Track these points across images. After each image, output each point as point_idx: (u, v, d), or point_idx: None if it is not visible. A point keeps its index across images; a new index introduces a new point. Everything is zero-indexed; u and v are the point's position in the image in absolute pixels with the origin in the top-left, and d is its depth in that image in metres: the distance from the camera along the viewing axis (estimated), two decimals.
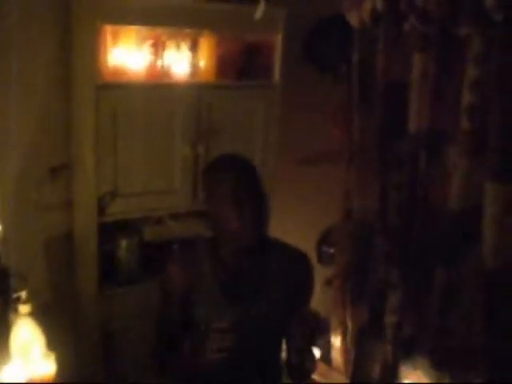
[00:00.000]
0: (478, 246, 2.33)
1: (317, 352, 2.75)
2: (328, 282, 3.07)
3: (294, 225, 2.92)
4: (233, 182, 1.91)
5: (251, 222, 1.90)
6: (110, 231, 2.57)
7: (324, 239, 3.31)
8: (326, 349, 2.97)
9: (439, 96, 2.42)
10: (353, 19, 2.63)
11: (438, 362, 2.51)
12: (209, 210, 1.99)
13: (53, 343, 2.18)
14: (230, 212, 1.89)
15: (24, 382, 2.06)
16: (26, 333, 2.12)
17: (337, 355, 2.94)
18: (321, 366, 2.85)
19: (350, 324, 2.86)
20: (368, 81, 2.65)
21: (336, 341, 2.94)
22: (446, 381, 2.48)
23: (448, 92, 2.41)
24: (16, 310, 2.16)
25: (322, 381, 2.85)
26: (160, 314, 2.12)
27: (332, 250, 3.27)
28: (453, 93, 2.38)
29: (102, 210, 2.46)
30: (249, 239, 1.92)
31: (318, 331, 2.47)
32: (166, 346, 2.10)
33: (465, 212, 2.35)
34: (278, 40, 2.76)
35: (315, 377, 2.77)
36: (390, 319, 2.67)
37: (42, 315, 2.17)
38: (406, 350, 2.62)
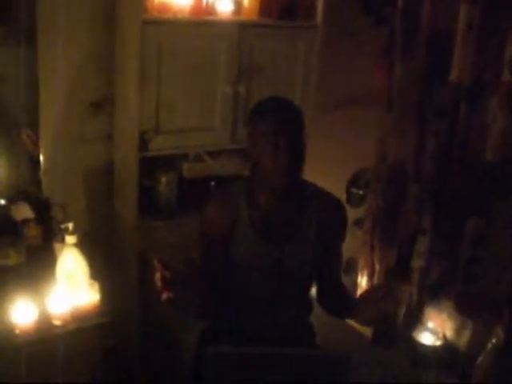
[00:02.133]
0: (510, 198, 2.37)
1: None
2: (357, 224, 3.13)
3: (327, 166, 2.94)
4: (277, 124, 1.91)
5: (289, 168, 1.92)
6: (149, 166, 2.61)
7: (354, 181, 3.35)
8: (353, 288, 3.04)
9: (483, 47, 2.41)
10: None
11: (463, 308, 2.58)
12: (250, 150, 2.00)
13: (92, 273, 2.28)
14: (270, 155, 1.90)
15: (70, 309, 2.17)
16: (72, 262, 2.22)
17: None
18: None
19: (377, 266, 2.93)
20: (412, 27, 2.63)
21: (362, 281, 3.01)
22: (469, 326, 2.57)
23: (492, 44, 2.40)
24: (62, 240, 2.26)
25: (347, 320, 2.93)
26: (202, 255, 2.14)
27: (361, 192, 3.32)
28: (497, 45, 2.37)
29: (143, 145, 2.50)
30: (284, 184, 1.95)
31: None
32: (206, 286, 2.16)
33: (501, 164, 2.38)
34: None
35: None
36: (417, 263, 2.74)
37: (82, 245, 2.26)
38: (432, 294, 2.70)
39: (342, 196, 3.23)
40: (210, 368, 1.82)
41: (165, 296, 1.76)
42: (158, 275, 1.77)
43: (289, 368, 1.86)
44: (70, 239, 2.19)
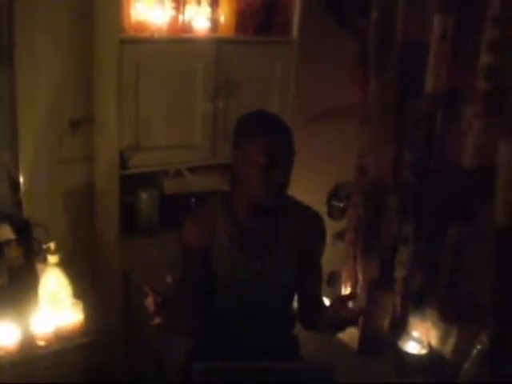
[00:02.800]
0: (490, 205, 2.40)
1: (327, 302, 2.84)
2: (339, 236, 3.15)
3: (307, 180, 2.96)
4: (274, 145, 1.89)
5: (280, 188, 1.93)
6: (130, 184, 2.61)
7: (335, 194, 3.37)
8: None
9: (457, 56, 2.45)
10: None
11: (447, 316, 2.59)
12: (236, 165, 1.98)
13: (75, 292, 2.27)
14: (263, 174, 1.89)
15: (53, 329, 2.16)
16: (55, 282, 2.21)
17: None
18: None
19: (360, 277, 2.94)
20: (385, 39, 2.67)
21: (346, 292, 3.02)
22: (454, 334, 2.58)
23: (466, 52, 2.44)
24: (45, 260, 2.25)
25: None
26: (182, 271, 2.12)
27: (342, 205, 3.34)
28: (470, 53, 2.40)
29: (123, 163, 2.50)
30: (272, 203, 1.95)
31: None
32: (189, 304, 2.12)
33: (478, 171, 2.41)
34: None
35: None
36: (400, 273, 2.76)
37: (64, 265, 2.25)
38: (416, 303, 2.71)
39: (323, 209, 3.25)
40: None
41: (157, 321, 1.80)
42: (149, 300, 1.80)
43: (274, 381, 1.86)
44: (52, 259, 2.19)
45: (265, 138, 1.90)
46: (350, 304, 2.04)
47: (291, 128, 1.97)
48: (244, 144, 1.95)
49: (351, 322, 1.91)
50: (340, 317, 1.88)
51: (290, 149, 1.94)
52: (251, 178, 1.93)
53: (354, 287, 2.98)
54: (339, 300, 1.96)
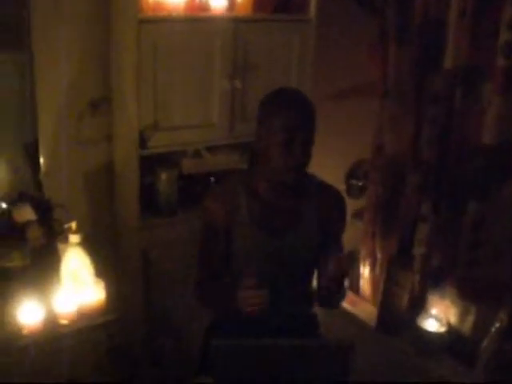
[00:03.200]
0: (509, 182, 2.39)
1: (346, 281, 2.85)
2: (357, 215, 3.14)
3: (325, 158, 2.95)
4: (296, 120, 1.92)
5: (300, 164, 1.95)
6: (148, 164, 2.63)
7: (353, 172, 3.36)
8: (355, 278, 3.06)
9: (476, 34, 2.42)
10: None
11: (465, 294, 2.60)
12: (258, 140, 2.01)
13: (97, 272, 2.29)
14: (283, 149, 1.91)
15: (76, 308, 2.19)
16: (76, 261, 2.23)
17: (365, 284, 3.03)
18: (349, 295, 2.94)
19: (379, 255, 2.95)
20: (405, 16, 2.64)
21: (365, 271, 3.02)
22: (472, 311, 2.58)
23: (485, 30, 2.41)
24: (66, 240, 2.27)
25: (351, 309, 2.95)
26: (201, 245, 2.18)
27: (361, 183, 3.33)
28: (490, 30, 2.38)
29: (143, 143, 2.52)
30: (292, 179, 1.97)
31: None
32: (207, 278, 2.18)
33: (498, 148, 2.39)
34: None
35: (344, 305, 2.87)
36: (419, 250, 2.75)
37: (85, 245, 2.28)
38: (435, 281, 2.71)
39: (342, 187, 3.24)
40: (215, 360, 1.84)
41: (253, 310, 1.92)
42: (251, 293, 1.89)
43: (292, 358, 1.88)
44: (74, 238, 2.21)
45: (285, 114, 1.92)
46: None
47: (314, 105, 1.99)
48: (266, 119, 1.98)
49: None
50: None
51: (310, 125, 1.95)
52: (271, 153, 1.95)
53: (372, 265, 2.98)
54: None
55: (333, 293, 2.00)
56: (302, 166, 1.98)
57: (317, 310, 2.33)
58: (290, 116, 1.92)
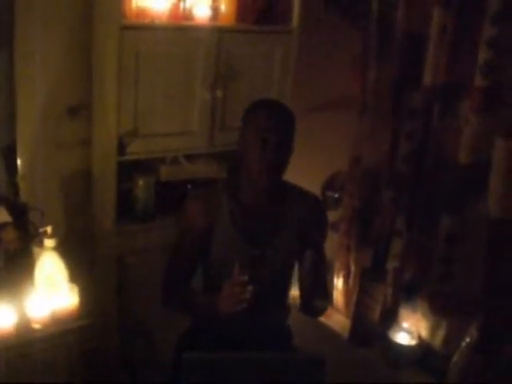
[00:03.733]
0: (483, 197, 2.42)
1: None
2: (333, 226, 3.17)
3: (302, 169, 2.97)
4: (269, 121, 1.99)
5: (274, 165, 2.00)
6: (126, 170, 2.63)
7: (329, 184, 3.38)
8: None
9: (456, 51, 2.46)
10: None
11: (437, 308, 2.62)
12: (238, 145, 2.08)
13: (71, 276, 2.28)
14: (258, 150, 1.97)
15: (49, 312, 2.17)
16: (51, 265, 2.22)
17: (339, 296, 3.04)
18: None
19: (353, 267, 2.97)
20: (386, 30, 2.68)
21: (338, 282, 3.04)
22: (443, 325, 2.61)
23: (465, 47, 2.45)
24: (41, 244, 2.26)
25: (324, 320, 2.96)
26: (176, 249, 2.20)
27: (337, 195, 3.35)
28: (469, 49, 2.41)
29: (121, 149, 2.51)
30: (267, 180, 2.01)
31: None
32: (177, 283, 2.20)
33: (473, 165, 2.43)
34: None
35: None
36: (392, 264, 2.78)
37: (60, 249, 2.26)
38: (407, 294, 2.74)
39: None
40: (187, 374, 1.84)
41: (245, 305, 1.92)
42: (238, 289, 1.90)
43: (265, 372, 1.89)
44: (49, 242, 2.19)
45: (260, 115, 2.02)
46: None
47: (292, 113, 2.08)
48: (243, 125, 2.07)
49: None
50: None
51: (284, 128, 2.02)
52: (248, 157, 2.01)
53: (346, 277, 3.00)
54: None
55: (312, 293, 2.02)
56: (277, 169, 2.02)
57: (290, 320, 2.35)
58: (264, 117, 2.00)
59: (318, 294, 2.06)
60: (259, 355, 1.92)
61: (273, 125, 1.98)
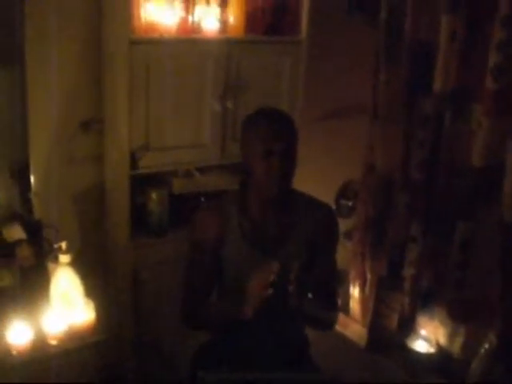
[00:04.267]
0: (497, 202, 2.41)
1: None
2: (347, 235, 3.16)
3: (315, 178, 2.97)
4: (272, 130, 1.98)
5: (281, 174, 1.97)
6: (139, 184, 2.64)
7: (343, 192, 3.38)
8: (345, 299, 3.06)
9: (466, 56, 2.46)
10: None
11: (454, 314, 2.61)
12: (243, 156, 2.06)
13: (86, 292, 2.28)
14: (264, 160, 1.96)
15: (65, 328, 2.17)
16: (66, 281, 2.22)
17: (355, 305, 3.03)
18: (339, 316, 2.94)
19: (368, 275, 2.96)
20: (396, 38, 2.68)
21: (354, 291, 3.03)
22: (462, 332, 2.59)
23: (475, 51, 2.45)
24: (56, 260, 2.26)
25: (341, 329, 2.95)
26: (189, 264, 2.18)
27: (350, 203, 3.34)
28: (479, 53, 2.41)
29: (134, 163, 2.52)
30: (275, 190, 1.99)
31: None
32: (194, 298, 2.17)
33: (487, 169, 2.42)
34: None
35: None
36: (408, 271, 2.77)
37: (75, 265, 2.27)
38: (424, 302, 2.73)
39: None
40: None
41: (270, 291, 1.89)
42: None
43: None
44: (64, 258, 2.19)
45: (262, 126, 2.00)
46: None
47: (293, 120, 2.06)
48: (246, 137, 2.05)
49: None
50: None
51: (288, 137, 2.00)
52: (255, 169, 2.00)
53: (362, 286, 2.99)
54: None
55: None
56: (284, 179, 2.00)
57: (307, 330, 2.33)
58: (266, 128, 1.99)
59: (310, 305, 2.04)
60: (275, 375, 1.91)
61: (276, 134, 1.97)
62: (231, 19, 2.67)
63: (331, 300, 2.21)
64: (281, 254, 2.07)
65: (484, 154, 2.40)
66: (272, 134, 1.97)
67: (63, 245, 2.23)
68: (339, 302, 2.73)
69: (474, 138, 2.44)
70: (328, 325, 2.24)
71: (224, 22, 2.66)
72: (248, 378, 1.87)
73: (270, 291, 1.88)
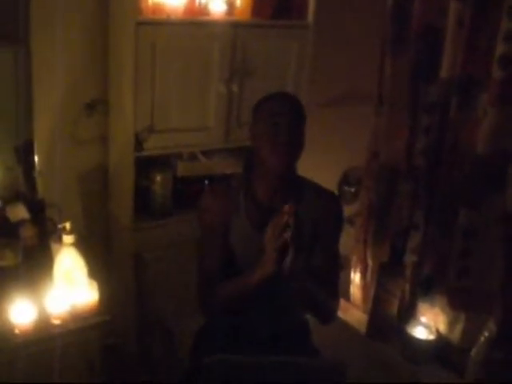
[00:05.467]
0: (501, 192, 2.41)
1: None
2: (349, 221, 3.16)
3: (318, 164, 2.97)
4: (278, 106, 2.00)
5: (286, 150, 1.97)
6: (143, 166, 2.64)
7: (346, 178, 3.39)
8: (346, 285, 3.07)
9: (473, 44, 2.44)
10: None
11: (455, 302, 2.62)
12: (251, 135, 2.06)
13: (90, 273, 2.29)
14: (270, 135, 1.97)
15: (68, 308, 2.18)
16: (70, 261, 2.23)
17: (356, 291, 3.05)
18: (340, 302, 2.96)
19: (370, 261, 2.96)
20: (402, 24, 2.67)
21: (355, 277, 3.04)
22: (462, 320, 2.60)
23: (482, 40, 2.43)
24: (60, 240, 2.27)
25: (341, 315, 2.96)
26: (202, 249, 2.15)
27: (353, 190, 3.35)
28: (487, 41, 2.40)
29: (139, 145, 2.52)
30: (281, 167, 1.98)
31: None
32: (211, 282, 2.12)
33: (491, 156, 2.42)
34: None
35: None
36: (410, 258, 2.77)
37: (78, 246, 2.27)
38: (425, 289, 2.73)
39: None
40: (207, 377, 1.85)
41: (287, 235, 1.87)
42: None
43: (285, 376, 1.89)
44: (68, 239, 2.20)
45: (269, 104, 2.03)
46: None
47: (301, 102, 2.06)
48: (254, 118, 2.07)
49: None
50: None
51: (293, 112, 2.01)
52: (261, 147, 2.00)
53: (363, 272, 3.00)
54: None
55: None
56: (290, 153, 2.00)
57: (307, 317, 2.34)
58: (274, 104, 2.02)
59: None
60: (279, 359, 1.91)
61: (283, 109, 1.98)
62: (238, 2, 2.66)
63: (332, 288, 2.21)
64: None
65: (489, 142, 2.40)
66: (278, 108, 1.99)
67: (67, 225, 2.24)
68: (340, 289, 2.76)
69: (480, 126, 2.44)
70: (328, 313, 2.23)
71: (231, 5, 2.65)
72: (253, 361, 1.87)
73: (289, 233, 1.87)
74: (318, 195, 2.16)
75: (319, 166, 2.89)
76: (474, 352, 2.47)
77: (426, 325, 2.68)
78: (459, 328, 2.62)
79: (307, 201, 2.12)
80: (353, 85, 3.05)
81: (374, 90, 2.82)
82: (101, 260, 2.61)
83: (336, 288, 2.23)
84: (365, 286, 3.00)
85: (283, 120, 1.96)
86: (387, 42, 2.73)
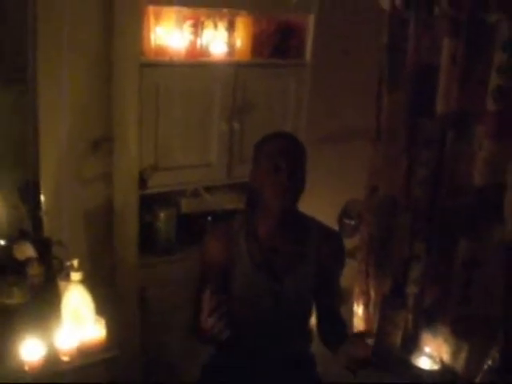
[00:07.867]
0: (500, 222, 2.45)
1: None
2: (350, 254, 3.19)
3: (319, 198, 3.00)
4: (280, 147, 2.02)
5: (287, 190, 1.98)
6: (148, 203, 2.68)
7: (346, 212, 3.42)
8: (348, 317, 3.09)
9: (467, 78, 2.51)
10: (384, 3, 2.71)
11: (458, 332, 2.64)
12: (252, 175, 2.08)
13: (97, 310, 2.31)
14: (271, 175, 1.98)
15: (76, 345, 2.20)
16: (78, 298, 2.24)
17: (359, 323, 3.07)
18: None
19: (372, 293, 2.99)
20: (398, 63, 2.74)
21: (358, 309, 3.06)
22: (465, 349, 2.62)
23: (475, 74, 2.50)
24: (67, 277, 2.29)
25: None
26: (200, 283, 2.16)
27: (353, 223, 3.38)
28: (480, 75, 2.47)
29: (143, 182, 2.56)
30: (282, 206, 2.01)
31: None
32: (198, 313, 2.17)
33: (489, 188, 2.47)
34: (311, 21, 2.85)
35: None
36: (412, 289, 2.80)
37: (83, 283, 2.30)
38: (428, 319, 2.76)
39: (334, 227, 3.29)
40: None
41: (226, 333, 1.80)
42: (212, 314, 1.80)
43: None
44: (76, 276, 2.22)
45: (270, 145, 2.04)
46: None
47: (302, 144, 2.09)
48: (256, 158, 2.08)
49: (366, 361, 1.89)
50: (354, 355, 1.89)
51: (295, 152, 2.03)
52: (263, 187, 2.02)
53: (366, 304, 3.02)
54: (355, 336, 1.99)
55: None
56: (291, 194, 2.01)
57: (314, 349, 2.36)
58: (275, 146, 2.03)
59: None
60: None
61: (284, 152, 2.00)
62: (238, 43, 2.73)
63: (341, 319, 2.24)
64: (289, 279, 2.09)
65: (485, 174, 2.45)
66: (279, 150, 2.00)
67: (75, 262, 2.26)
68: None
69: (476, 159, 2.49)
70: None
71: (231, 46, 2.72)
72: None
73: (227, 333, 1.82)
74: (321, 235, 2.17)
75: (319, 200, 2.93)
76: (478, 380, 2.48)
77: (430, 355, 2.71)
78: (463, 357, 2.63)
79: (311, 240, 2.13)
80: (351, 121, 3.10)
81: (370, 125, 2.89)
82: (107, 296, 2.62)
83: (343, 318, 2.25)
84: (368, 318, 3.02)
85: (284, 163, 1.97)
86: (383, 80, 2.81)
